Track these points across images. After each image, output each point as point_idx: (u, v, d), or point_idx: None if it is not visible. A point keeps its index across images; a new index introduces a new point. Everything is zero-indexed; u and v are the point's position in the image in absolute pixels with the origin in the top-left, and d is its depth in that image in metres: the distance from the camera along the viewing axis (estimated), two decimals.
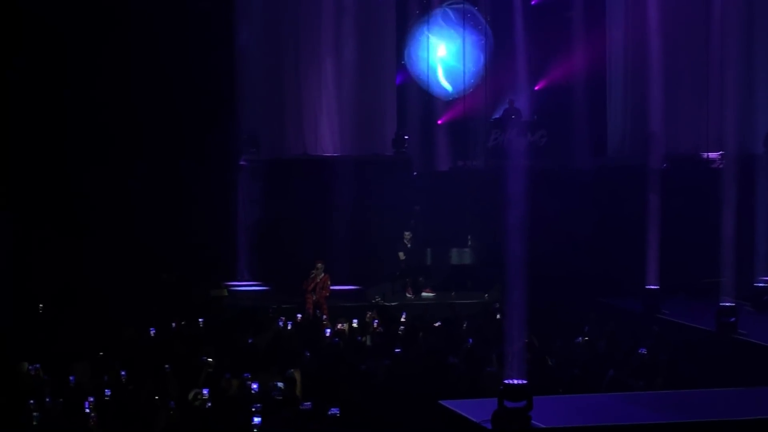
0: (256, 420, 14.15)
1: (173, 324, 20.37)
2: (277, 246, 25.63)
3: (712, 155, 25.97)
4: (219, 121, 25.84)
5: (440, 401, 14.41)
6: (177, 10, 25.14)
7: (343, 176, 25.50)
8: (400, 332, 19.86)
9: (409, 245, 25.39)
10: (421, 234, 25.79)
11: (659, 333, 19.52)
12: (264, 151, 26.42)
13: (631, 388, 16.23)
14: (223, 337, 19.52)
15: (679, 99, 26.87)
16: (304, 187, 25.88)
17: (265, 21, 26.66)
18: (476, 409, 13.72)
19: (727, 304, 19.63)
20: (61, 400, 15.22)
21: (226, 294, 24.63)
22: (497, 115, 27.55)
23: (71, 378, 16.27)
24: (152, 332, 19.66)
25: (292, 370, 16.05)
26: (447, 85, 28.66)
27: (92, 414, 14.58)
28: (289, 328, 20.42)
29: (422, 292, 25.02)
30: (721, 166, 23.73)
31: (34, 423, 14.50)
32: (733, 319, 19.49)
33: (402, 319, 21.04)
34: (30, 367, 16.61)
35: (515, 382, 13.08)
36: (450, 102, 28.64)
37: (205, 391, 15.36)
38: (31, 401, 14.80)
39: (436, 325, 20.68)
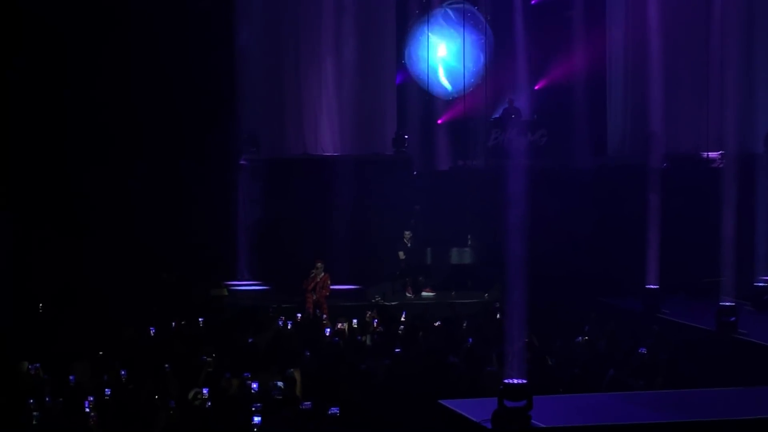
0: (256, 419, 14.13)
1: (173, 324, 20.37)
2: (277, 246, 25.63)
3: (712, 155, 25.96)
4: (219, 121, 25.84)
5: (440, 401, 14.39)
6: (177, 10, 25.14)
7: (343, 176, 25.48)
8: (400, 332, 19.84)
9: (409, 245, 25.38)
10: (421, 233, 25.78)
11: (659, 332, 19.49)
12: (264, 151, 26.43)
13: (631, 387, 16.21)
14: (223, 337, 19.51)
15: (679, 99, 26.87)
16: (304, 186, 25.89)
17: (265, 21, 26.68)
18: (476, 409, 13.69)
19: (727, 303, 19.61)
20: (61, 399, 15.22)
21: (226, 293, 24.63)
22: (497, 115, 27.54)
23: (71, 377, 16.24)
24: (152, 332, 19.65)
25: (292, 369, 16.03)
26: (447, 85, 28.65)
27: (92, 413, 14.56)
28: (289, 327, 20.40)
29: (422, 291, 25.02)
30: (721, 165, 23.70)
31: (34, 422, 14.47)
32: (733, 319, 19.47)
33: (402, 319, 21.03)
34: (30, 367, 16.58)
35: (515, 381, 13.05)
36: (450, 101, 28.65)
37: (205, 391, 15.36)
38: (31, 401, 14.79)
39: (436, 324, 20.65)
